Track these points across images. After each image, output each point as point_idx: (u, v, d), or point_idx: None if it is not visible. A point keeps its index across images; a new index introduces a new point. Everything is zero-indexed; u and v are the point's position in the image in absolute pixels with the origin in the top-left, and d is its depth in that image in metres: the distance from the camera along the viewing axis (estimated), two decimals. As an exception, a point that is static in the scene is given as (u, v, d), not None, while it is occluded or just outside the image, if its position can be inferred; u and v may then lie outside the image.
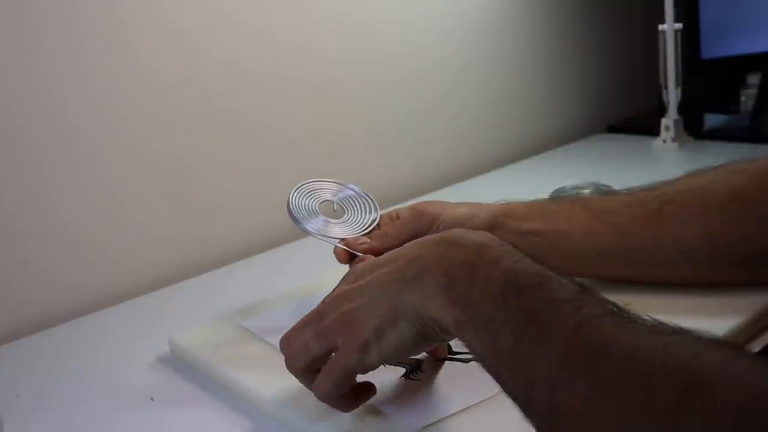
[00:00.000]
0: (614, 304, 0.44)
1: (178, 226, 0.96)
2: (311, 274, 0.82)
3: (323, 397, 0.54)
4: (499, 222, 0.70)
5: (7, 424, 0.63)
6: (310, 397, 0.59)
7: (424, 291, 0.50)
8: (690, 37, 1.25)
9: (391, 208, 0.74)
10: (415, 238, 0.68)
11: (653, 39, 1.24)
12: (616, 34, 1.48)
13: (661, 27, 1.22)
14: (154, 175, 0.93)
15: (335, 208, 0.72)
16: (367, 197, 0.73)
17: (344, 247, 0.68)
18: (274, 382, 0.62)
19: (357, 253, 0.68)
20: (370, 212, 0.72)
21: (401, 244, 0.68)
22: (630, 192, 0.71)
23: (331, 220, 0.71)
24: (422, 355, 0.63)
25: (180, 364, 0.70)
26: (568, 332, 0.42)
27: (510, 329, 0.44)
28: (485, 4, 1.26)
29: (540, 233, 0.70)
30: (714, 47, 1.27)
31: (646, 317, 0.43)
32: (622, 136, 1.42)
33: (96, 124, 0.87)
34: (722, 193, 0.67)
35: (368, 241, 0.69)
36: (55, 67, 0.83)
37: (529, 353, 0.43)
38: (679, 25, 1.21)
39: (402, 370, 0.62)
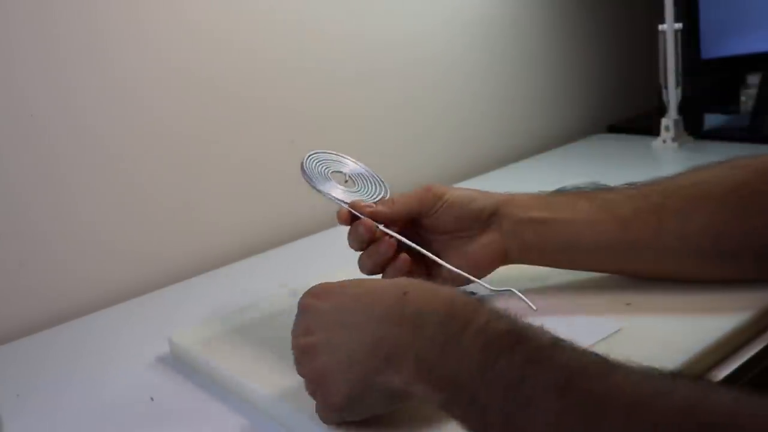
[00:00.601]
0: (594, 353, 0.42)
1: (178, 226, 0.96)
2: (311, 275, 0.81)
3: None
4: (503, 209, 0.70)
5: (7, 424, 0.63)
6: (309, 397, 0.59)
7: (400, 375, 0.48)
8: (690, 37, 1.24)
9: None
10: (419, 213, 0.69)
11: (654, 39, 1.24)
12: (617, 34, 1.48)
13: (661, 27, 1.22)
14: (152, 177, 0.93)
15: (346, 179, 0.72)
16: (377, 178, 0.73)
17: (349, 208, 0.68)
18: (274, 382, 0.62)
19: (360, 216, 0.67)
20: (380, 190, 0.72)
21: (407, 215, 0.68)
22: (633, 186, 0.71)
23: (341, 187, 0.71)
24: None
25: (180, 364, 0.70)
26: (558, 394, 0.40)
27: (496, 407, 0.43)
28: (485, 4, 1.26)
29: (544, 221, 0.69)
30: (714, 47, 1.26)
31: (633, 363, 0.41)
32: (622, 136, 1.42)
33: (102, 125, 0.88)
34: (726, 187, 0.66)
35: (373, 205, 0.68)
36: (32, 75, 0.84)
37: (522, 426, 0.41)
38: (679, 25, 1.21)
39: None
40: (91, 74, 0.86)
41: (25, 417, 0.65)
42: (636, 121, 1.45)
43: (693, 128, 1.29)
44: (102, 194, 0.89)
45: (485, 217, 0.70)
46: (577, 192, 0.72)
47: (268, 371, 0.64)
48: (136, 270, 0.92)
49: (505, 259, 0.71)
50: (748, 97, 1.34)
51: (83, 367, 0.74)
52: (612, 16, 1.47)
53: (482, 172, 1.24)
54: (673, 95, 1.24)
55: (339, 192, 0.70)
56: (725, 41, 1.26)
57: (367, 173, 0.73)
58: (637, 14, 1.46)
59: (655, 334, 0.64)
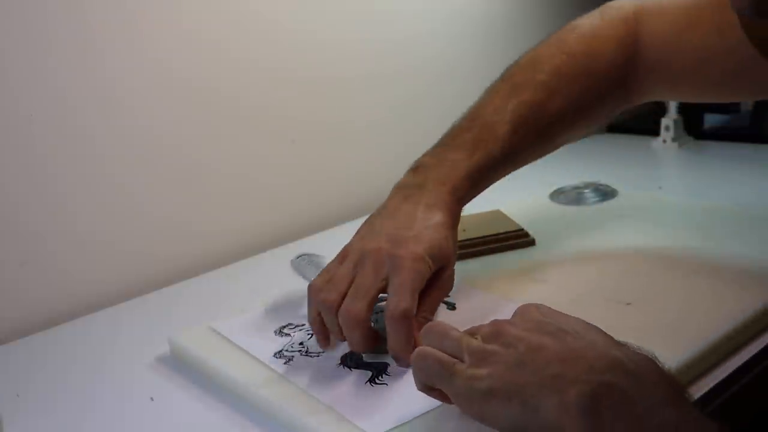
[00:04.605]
0: None
1: (178, 226, 0.96)
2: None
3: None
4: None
5: (7, 424, 0.63)
6: (309, 397, 0.59)
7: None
8: (690, 37, 1.24)
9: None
10: None
11: (653, 39, 1.24)
12: (616, 34, 1.48)
13: (661, 27, 1.22)
14: (153, 176, 0.93)
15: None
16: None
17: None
18: (274, 382, 0.62)
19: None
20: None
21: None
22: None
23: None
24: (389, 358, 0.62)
25: (180, 364, 0.70)
26: None
27: None
28: (485, 4, 1.26)
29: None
30: (714, 47, 1.26)
31: None
32: (622, 136, 1.41)
33: (103, 124, 0.88)
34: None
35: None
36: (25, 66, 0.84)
37: None
38: (679, 25, 1.21)
39: (368, 374, 0.61)
40: (90, 77, 0.86)
41: (25, 417, 0.65)
42: (636, 121, 1.45)
43: (693, 128, 1.28)
44: (102, 195, 0.89)
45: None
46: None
47: (268, 371, 0.64)
48: (136, 270, 0.92)
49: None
50: (748, 97, 1.34)
51: (83, 367, 0.74)
52: (612, 16, 1.47)
53: (482, 172, 1.23)
54: (673, 95, 1.24)
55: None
56: (725, 41, 1.26)
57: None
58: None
59: (656, 333, 0.64)
